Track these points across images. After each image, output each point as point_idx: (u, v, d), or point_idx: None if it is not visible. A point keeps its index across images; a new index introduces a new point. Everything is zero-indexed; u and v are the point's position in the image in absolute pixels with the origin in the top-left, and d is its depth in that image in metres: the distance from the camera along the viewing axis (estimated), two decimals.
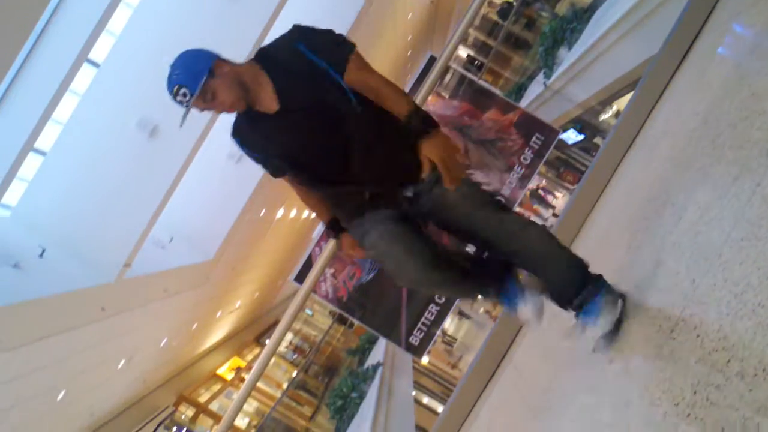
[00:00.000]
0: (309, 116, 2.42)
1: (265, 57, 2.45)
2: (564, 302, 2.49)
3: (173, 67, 2.35)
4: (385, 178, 2.49)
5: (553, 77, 10.59)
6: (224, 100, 2.36)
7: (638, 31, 6.94)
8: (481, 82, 7.56)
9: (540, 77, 11.50)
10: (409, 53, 24.65)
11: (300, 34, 2.43)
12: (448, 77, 7.09)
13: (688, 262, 2.08)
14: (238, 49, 9.73)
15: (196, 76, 2.31)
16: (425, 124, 2.36)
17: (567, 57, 10.11)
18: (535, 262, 2.53)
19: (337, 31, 2.48)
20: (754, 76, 2.59)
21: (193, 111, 2.38)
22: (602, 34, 8.10)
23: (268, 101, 2.42)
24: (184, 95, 2.30)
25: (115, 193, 9.78)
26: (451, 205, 2.49)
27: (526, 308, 2.47)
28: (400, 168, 2.47)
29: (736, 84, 2.78)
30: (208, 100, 2.35)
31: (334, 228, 2.71)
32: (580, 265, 2.52)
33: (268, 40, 2.71)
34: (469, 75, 7.12)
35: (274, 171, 2.64)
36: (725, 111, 2.67)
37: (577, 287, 2.44)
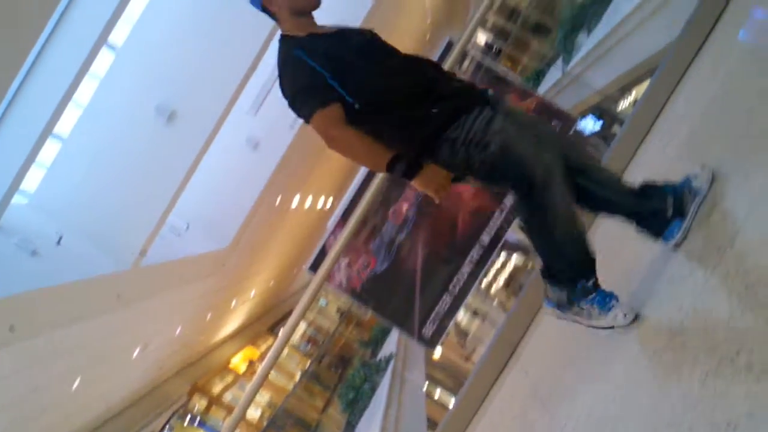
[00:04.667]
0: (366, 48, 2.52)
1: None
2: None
3: None
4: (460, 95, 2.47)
5: (572, 63, 10.48)
6: None
7: (658, 17, 6.85)
8: (499, 68, 7.48)
9: (559, 63, 11.39)
10: (428, 37, 24.47)
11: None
12: (466, 63, 7.03)
13: (700, 253, 2.02)
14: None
15: None
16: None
17: (586, 43, 10.01)
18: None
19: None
20: None
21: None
22: (622, 20, 8.00)
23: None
24: None
25: (132, 179, 9.80)
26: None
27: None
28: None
29: (755, 71, 2.71)
30: None
31: (402, 162, 2.43)
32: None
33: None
34: (487, 61, 7.05)
35: (327, 95, 2.44)
36: (743, 97, 2.61)
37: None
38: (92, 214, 9.64)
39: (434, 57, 6.76)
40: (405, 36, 20.90)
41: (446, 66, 4.00)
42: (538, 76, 13.64)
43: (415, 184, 2.43)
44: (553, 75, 12.15)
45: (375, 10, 13.82)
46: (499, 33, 24.02)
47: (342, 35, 2.54)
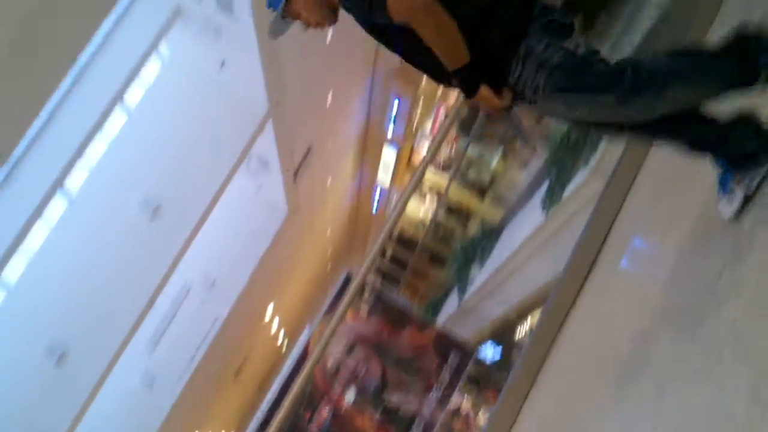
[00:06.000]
0: None
1: None
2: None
3: None
4: None
5: (468, 294, 10.75)
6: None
7: (546, 249, 7.17)
8: (399, 299, 7.65)
9: (456, 292, 11.66)
10: (328, 267, 25.01)
11: None
12: (366, 293, 7.13)
13: None
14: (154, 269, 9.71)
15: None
16: None
17: (479, 274, 10.33)
18: None
19: None
20: (651, 289, 2.67)
21: None
22: (511, 254, 8.34)
23: None
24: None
25: (14, 427, 9.16)
26: None
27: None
28: None
29: (633, 299, 2.84)
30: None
31: (472, 75, 2.11)
32: None
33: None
34: (386, 294, 7.20)
35: None
36: (624, 327, 2.71)
37: None
38: None
39: (333, 290, 6.88)
40: (307, 266, 21.32)
41: (343, 303, 4.04)
42: (437, 305, 13.91)
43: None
44: (452, 303, 12.43)
45: (276, 242, 14.10)
46: (398, 263, 24.75)
47: None
